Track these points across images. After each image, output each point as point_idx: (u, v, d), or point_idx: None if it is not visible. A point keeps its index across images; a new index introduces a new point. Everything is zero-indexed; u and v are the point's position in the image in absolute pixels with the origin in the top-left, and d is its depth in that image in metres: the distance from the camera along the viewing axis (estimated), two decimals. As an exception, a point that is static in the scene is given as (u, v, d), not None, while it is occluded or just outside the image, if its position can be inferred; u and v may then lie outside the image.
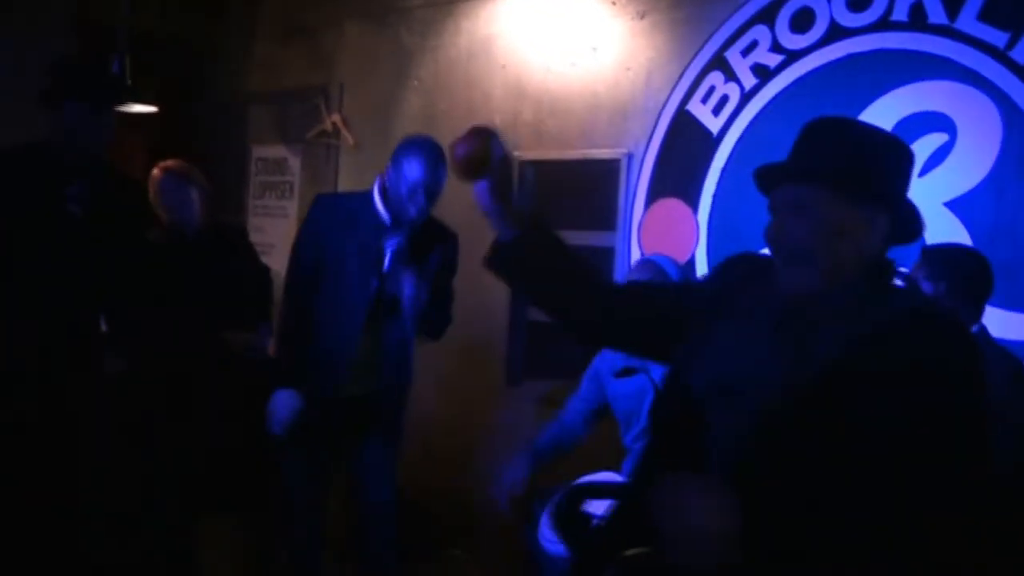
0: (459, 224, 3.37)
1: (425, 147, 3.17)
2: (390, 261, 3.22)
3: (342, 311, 3.22)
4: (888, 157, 1.65)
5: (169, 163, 3.85)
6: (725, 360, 1.62)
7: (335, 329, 3.21)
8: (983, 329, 2.66)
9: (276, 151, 5.71)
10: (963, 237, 3.19)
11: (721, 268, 1.91)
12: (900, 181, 1.66)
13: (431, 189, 3.14)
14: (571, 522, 1.83)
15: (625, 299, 1.92)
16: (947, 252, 2.78)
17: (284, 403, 3.17)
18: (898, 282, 1.67)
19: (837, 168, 1.58)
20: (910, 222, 1.66)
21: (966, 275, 2.67)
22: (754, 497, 1.41)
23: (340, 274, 3.21)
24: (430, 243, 3.29)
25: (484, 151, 1.72)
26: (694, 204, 3.92)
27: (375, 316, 3.23)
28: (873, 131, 1.69)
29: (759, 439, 1.51)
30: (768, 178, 1.70)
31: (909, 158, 1.68)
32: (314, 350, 3.22)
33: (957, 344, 1.52)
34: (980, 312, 2.67)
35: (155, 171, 3.83)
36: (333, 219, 3.25)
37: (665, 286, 1.96)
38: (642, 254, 4.08)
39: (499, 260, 1.84)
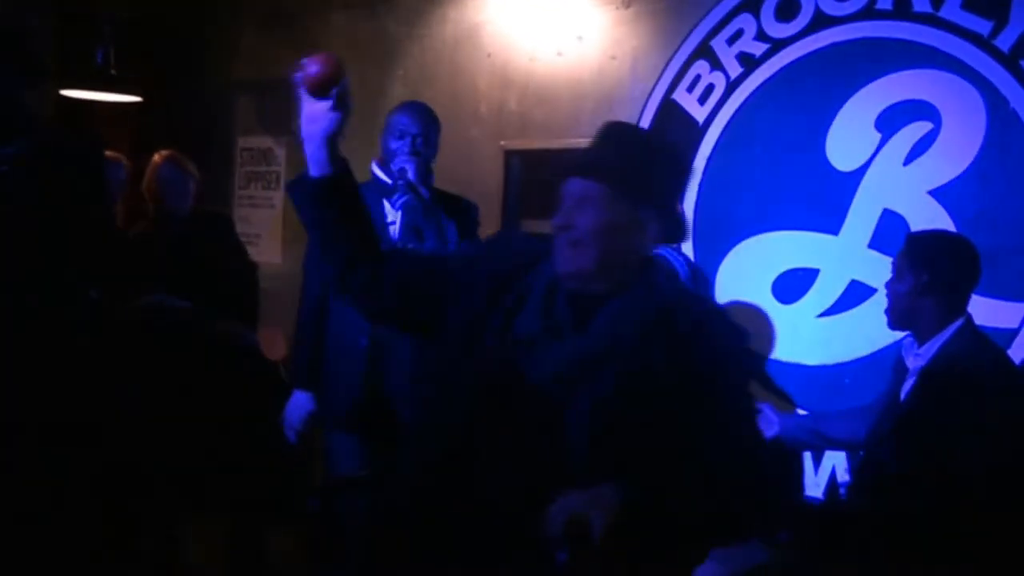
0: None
1: (412, 103, 3.28)
2: (402, 221, 3.08)
3: None
4: (668, 166, 1.82)
5: (169, 152, 3.84)
6: (549, 352, 1.73)
7: (343, 314, 3.05)
8: (969, 319, 2.64)
9: (262, 141, 5.68)
10: (947, 225, 3.20)
11: (494, 246, 2.02)
12: (675, 188, 1.84)
13: (423, 137, 3.13)
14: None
15: (406, 264, 2.00)
16: (933, 240, 2.76)
17: (296, 406, 3.10)
18: (661, 278, 1.84)
19: (622, 170, 1.74)
20: (678, 226, 1.83)
21: (953, 264, 2.63)
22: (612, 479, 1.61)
23: None
24: (448, 215, 3.16)
25: (336, 73, 1.82)
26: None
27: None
28: (657, 140, 1.87)
29: (606, 429, 1.68)
30: (562, 169, 1.83)
31: (686, 168, 1.88)
32: (328, 348, 3.13)
33: (742, 339, 1.83)
34: (966, 301, 2.65)
35: (156, 157, 3.81)
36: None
37: (440, 258, 2.03)
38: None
39: (306, 193, 1.89)
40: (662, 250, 3.32)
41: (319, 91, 1.83)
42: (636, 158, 1.77)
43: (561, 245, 1.75)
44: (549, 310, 1.76)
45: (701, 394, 1.70)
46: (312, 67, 1.83)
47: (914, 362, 2.65)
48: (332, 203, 1.88)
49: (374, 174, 3.21)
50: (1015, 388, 2.55)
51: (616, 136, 1.83)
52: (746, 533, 1.78)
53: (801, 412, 3.55)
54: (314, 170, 1.87)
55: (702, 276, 3.28)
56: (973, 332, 2.62)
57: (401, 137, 3.13)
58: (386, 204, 3.13)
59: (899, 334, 2.77)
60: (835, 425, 3.02)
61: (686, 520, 1.64)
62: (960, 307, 2.62)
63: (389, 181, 3.14)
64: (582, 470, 1.66)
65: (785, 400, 3.59)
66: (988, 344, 2.64)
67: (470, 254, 2.04)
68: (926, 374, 2.59)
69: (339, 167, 1.87)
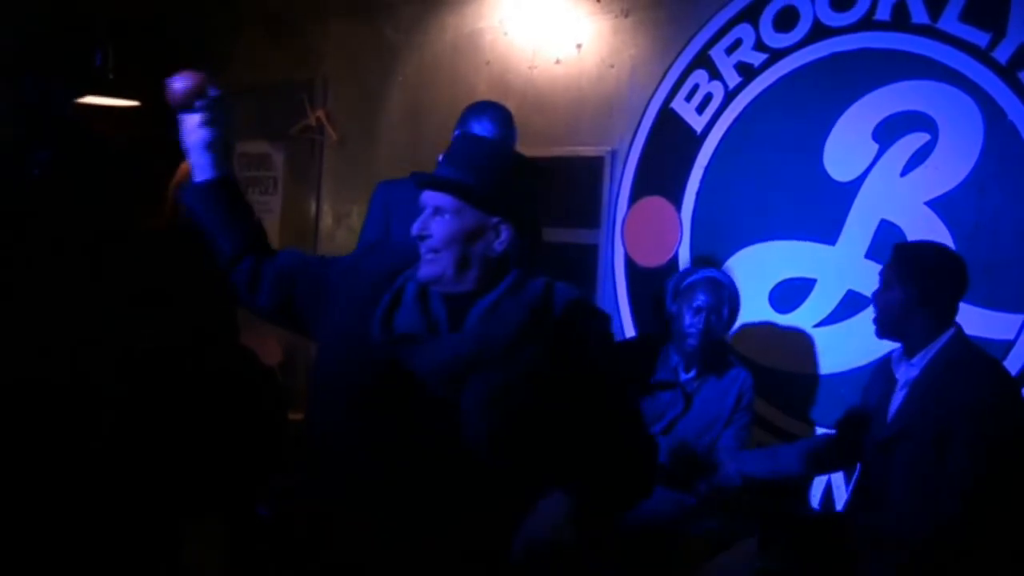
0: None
1: (496, 107, 3.12)
2: None
3: None
4: (515, 175, 1.93)
5: None
6: (432, 349, 1.85)
7: None
8: (959, 329, 2.63)
9: (259, 146, 5.68)
10: (945, 236, 3.21)
11: (371, 250, 2.16)
12: (524, 194, 1.94)
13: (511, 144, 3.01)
14: None
15: (288, 263, 2.12)
16: (923, 252, 2.74)
17: None
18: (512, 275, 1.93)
19: (469, 183, 1.87)
20: (532, 228, 1.95)
21: (942, 277, 2.63)
22: (506, 463, 1.79)
23: None
24: None
25: (198, 88, 2.07)
26: (678, 202, 3.93)
27: None
28: (507, 152, 2.01)
29: (501, 421, 1.80)
30: (421, 181, 1.96)
31: (535, 177, 1.98)
32: None
33: (607, 324, 1.98)
34: (955, 311, 2.64)
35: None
36: (399, 204, 3.10)
37: (323, 261, 2.15)
38: (625, 252, 4.08)
39: (192, 196, 2.10)
40: (712, 272, 3.32)
41: (185, 105, 2.07)
42: (483, 170, 1.90)
43: (423, 253, 1.90)
44: (426, 309, 1.90)
45: (575, 380, 1.86)
46: (177, 83, 2.07)
47: (905, 373, 2.65)
48: (216, 205, 2.08)
49: None
50: (1009, 397, 2.55)
51: (465, 149, 1.97)
52: (609, 506, 1.93)
53: (796, 423, 3.56)
54: (198, 175, 2.09)
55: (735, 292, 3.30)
56: (964, 342, 2.61)
57: None
58: None
59: (895, 344, 2.77)
60: (790, 459, 3.03)
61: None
62: (950, 318, 2.62)
63: None
64: (481, 459, 1.79)
65: (782, 410, 3.60)
66: (980, 354, 2.64)
67: (350, 259, 2.14)
68: (918, 384, 2.59)
69: (222, 172, 2.09)
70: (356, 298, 1.94)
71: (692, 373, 3.22)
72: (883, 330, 2.69)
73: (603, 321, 1.98)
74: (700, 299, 3.16)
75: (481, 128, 3.02)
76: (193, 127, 2.08)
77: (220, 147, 2.09)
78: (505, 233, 1.89)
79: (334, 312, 1.97)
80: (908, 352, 2.65)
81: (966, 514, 2.39)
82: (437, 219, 1.88)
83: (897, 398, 2.67)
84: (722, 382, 3.22)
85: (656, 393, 3.25)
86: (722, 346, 3.29)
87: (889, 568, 2.44)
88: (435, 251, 1.87)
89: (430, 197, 1.90)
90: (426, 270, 1.88)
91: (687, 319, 3.16)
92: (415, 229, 1.90)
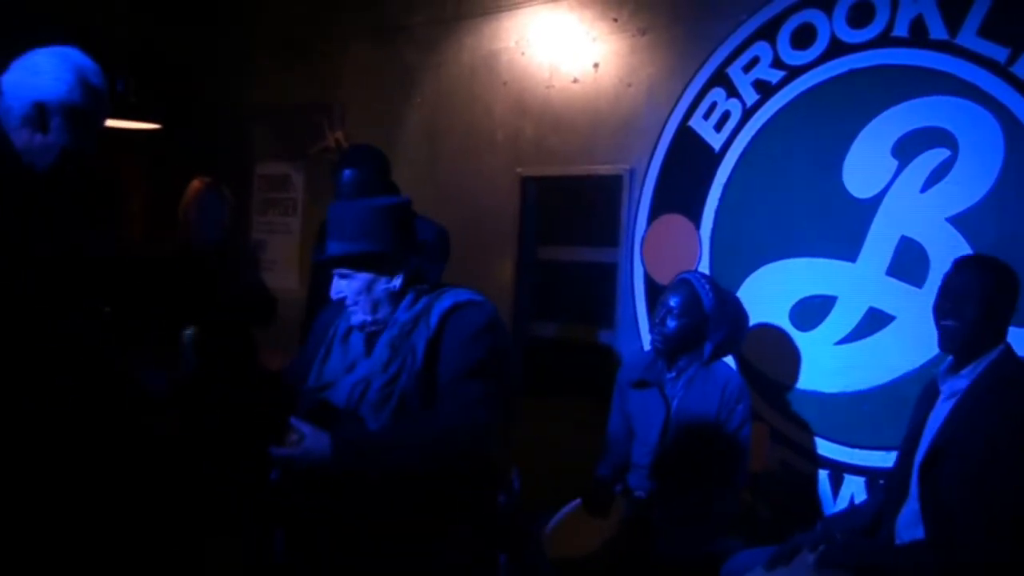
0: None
1: (358, 153, 3.45)
2: None
3: None
4: (390, 224, 2.36)
5: (210, 178, 3.89)
6: (339, 391, 2.37)
7: None
8: (1009, 346, 2.54)
9: (279, 168, 5.72)
10: (966, 252, 3.18)
11: (320, 314, 2.67)
12: (403, 235, 2.39)
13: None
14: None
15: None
16: (988, 266, 2.61)
17: None
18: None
19: (355, 252, 2.34)
20: (415, 257, 2.42)
21: (1004, 292, 2.55)
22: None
23: None
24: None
25: None
26: (696, 220, 3.93)
27: None
28: (376, 208, 2.38)
29: (390, 418, 2.31)
30: (319, 262, 2.50)
31: (407, 213, 2.44)
32: None
33: (481, 318, 2.36)
34: (1007, 328, 2.56)
35: (196, 183, 3.84)
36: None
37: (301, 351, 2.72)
38: (644, 270, 4.08)
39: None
40: (689, 275, 3.32)
41: None
42: (361, 236, 2.33)
43: (347, 307, 2.39)
44: (346, 351, 2.43)
45: (444, 367, 2.30)
46: None
47: (952, 384, 2.57)
48: None
49: None
50: None
51: (340, 220, 2.36)
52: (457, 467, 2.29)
53: (820, 439, 3.53)
54: None
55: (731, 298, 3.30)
56: (1014, 359, 2.55)
57: None
58: None
59: (918, 361, 2.73)
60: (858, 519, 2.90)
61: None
62: (1004, 334, 2.56)
63: None
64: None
65: (803, 428, 3.58)
66: None
67: (316, 322, 2.66)
68: (966, 397, 2.51)
69: None
70: (312, 353, 2.52)
71: (672, 374, 3.23)
72: (952, 344, 2.56)
73: (477, 316, 2.35)
74: (670, 301, 3.22)
75: (349, 174, 3.38)
76: None
77: None
78: (399, 272, 2.36)
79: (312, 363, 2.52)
80: (957, 366, 2.57)
81: (1019, 527, 2.32)
82: (344, 281, 2.36)
83: (941, 410, 2.58)
84: (707, 384, 3.18)
85: (642, 394, 3.28)
86: (699, 347, 3.23)
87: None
88: (352, 305, 2.36)
89: (334, 267, 2.35)
90: (353, 319, 2.39)
91: (656, 319, 3.24)
92: (332, 294, 2.38)
